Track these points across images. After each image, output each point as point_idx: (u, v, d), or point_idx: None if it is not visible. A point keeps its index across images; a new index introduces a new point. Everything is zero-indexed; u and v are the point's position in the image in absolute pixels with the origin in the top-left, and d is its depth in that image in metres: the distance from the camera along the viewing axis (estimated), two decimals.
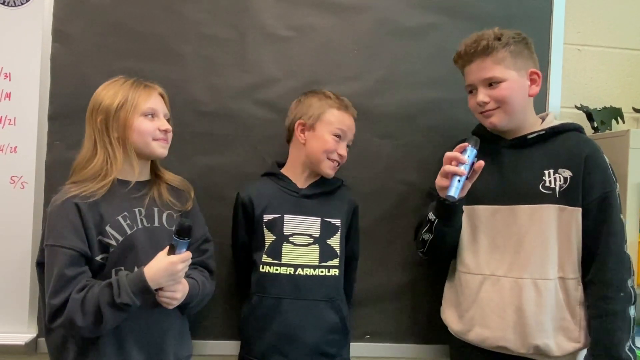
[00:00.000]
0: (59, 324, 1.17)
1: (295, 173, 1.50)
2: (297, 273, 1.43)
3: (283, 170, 1.52)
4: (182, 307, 1.31)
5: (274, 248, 1.44)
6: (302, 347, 1.41)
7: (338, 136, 1.44)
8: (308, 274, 1.43)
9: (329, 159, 1.44)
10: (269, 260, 1.44)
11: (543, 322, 1.29)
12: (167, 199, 1.35)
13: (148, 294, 1.18)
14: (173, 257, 1.19)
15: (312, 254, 1.44)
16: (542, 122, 1.40)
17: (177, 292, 1.24)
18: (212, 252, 1.45)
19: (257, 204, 1.46)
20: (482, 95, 1.33)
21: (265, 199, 1.46)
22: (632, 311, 1.26)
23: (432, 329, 1.65)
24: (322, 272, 1.44)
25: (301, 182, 1.49)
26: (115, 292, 1.16)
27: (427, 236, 1.40)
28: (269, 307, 1.42)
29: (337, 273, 1.46)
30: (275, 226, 1.44)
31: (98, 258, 1.23)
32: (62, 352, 1.26)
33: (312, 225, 1.46)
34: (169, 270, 1.19)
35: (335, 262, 1.46)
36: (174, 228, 1.22)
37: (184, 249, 1.21)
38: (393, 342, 1.67)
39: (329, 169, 1.45)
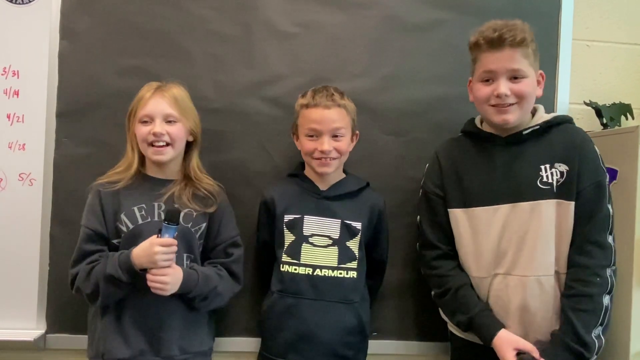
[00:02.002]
0: (73, 289, 1.34)
1: (314, 176, 1.49)
2: (315, 274, 1.43)
3: (306, 172, 1.51)
4: (188, 300, 1.35)
5: (294, 248, 1.44)
6: (319, 347, 1.41)
7: (310, 135, 1.42)
8: (326, 275, 1.43)
9: (314, 158, 1.43)
10: (289, 259, 1.45)
11: (546, 317, 1.29)
12: (187, 199, 1.39)
13: (133, 272, 1.26)
14: (154, 239, 1.25)
15: (330, 256, 1.44)
16: (532, 117, 1.38)
17: (166, 277, 1.26)
18: (238, 256, 1.46)
19: (278, 203, 1.47)
20: (505, 87, 1.29)
21: (287, 199, 1.47)
22: (606, 300, 1.25)
23: (436, 326, 1.64)
24: (340, 273, 1.44)
25: (323, 184, 1.49)
26: (108, 264, 1.28)
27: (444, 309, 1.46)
28: (287, 306, 1.43)
29: (355, 275, 1.46)
30: (295, 226, 1.45)
31: (114, 241, 1.36)
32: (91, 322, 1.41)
33: (331, 227, 1.45)
34: (147, 251, 1.25)
35: (354, 264, 1.46)
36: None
37: (169, 235, 1.26)
38: (398, 339, 1.67)
39: (319, 168, 1.43)
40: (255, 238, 1.57)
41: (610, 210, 1.30)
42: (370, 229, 1.50)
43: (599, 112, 1.71)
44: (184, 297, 1.34)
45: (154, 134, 1.34)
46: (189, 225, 1.40)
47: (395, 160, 1.66)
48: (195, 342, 1.41)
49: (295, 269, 1.44)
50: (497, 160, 1.36)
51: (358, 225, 1.47)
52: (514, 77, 1.30)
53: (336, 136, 1.41)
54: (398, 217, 1.64)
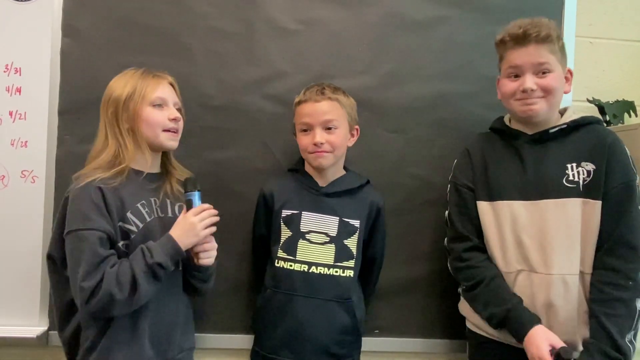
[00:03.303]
0: (96, 302, 1.14)
1: (314, 172, 1.49)
2: (310, 271, 1.42)
3: (306, 168, 1.51)
4: (201, 283, 1.36)
5: (290, 244, 1.44)
6: (311, 345, 1.41)
7: (305, 130, 1.43)
8: (322, 272, 1.43)
9: (309, 153, 1.43)
10: (284, 255, 1.44)
11: (571, 317, 1.29)
12: (177, 191, 1.36)
13: (177, 255, 1.22)
14: (186, 215, 1.24)
15: (327, 253, 1.44)
16: (561, 117, 1.38)
17: (214, 242, 1.28)
18: None
19: (277, 198, 1.46)
20: (531, 81, 1.30)
21: (286, 194, 1.47)
22: (639, 304, 1.24)
23: (440, 324, 1.65)
24: (336, 272, 1.44)
25: (323, 180, 1.48)
26: (147, 255, 1.18)
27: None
28: (281, 303, 1.43)
29: (351, 274, 1.45)
30: (292, 222, 1.44)
31: (120, 244, 1.23)
32: (76, 345, 1.26)
33: (329, 224, 1.45)
34: (186, 227, 1.22)
35: (351, 263, 1.45)
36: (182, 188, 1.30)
37: (197, 203, 1.25)
38: (402, 337, 1.66)
39: (314, 161, 1.43)
40: (252, 233, 1.56)
41: None
42: (368, 226, 1.50)
43: (602, 109, 1.71)
44: (189, 287, 1.36)
45: (175, 119, 1.31)
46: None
47: (397, 158, 1.65)
48: (189, 337, 1.40)
49: (291, 265, 1.43)
50: (523, 157, 1.36)
51: (356, 223, 1.46)
52: (541, 71, 1.30)
53: (329, 129, 1.40)
54: (400, 214, 1.64)
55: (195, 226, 1.22)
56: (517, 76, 1.33)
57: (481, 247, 1.41)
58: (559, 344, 1.24)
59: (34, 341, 1.53)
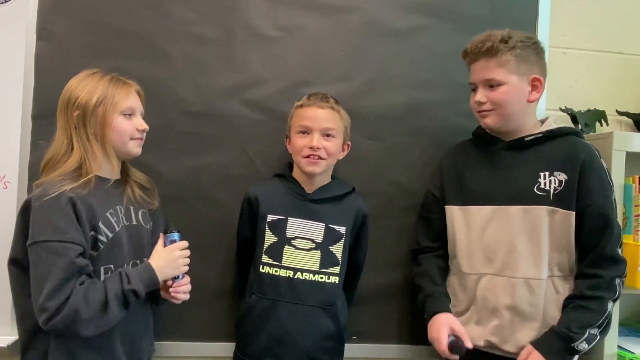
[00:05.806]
0: (59, 320, 1.07)
1: (301, 178, 1.49)
2: (296, 277, 1.43)
3: (294, 174, 1.51)
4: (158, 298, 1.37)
5: (275, 249, 1.44)
6: (295, 352, 1.41)
7: (303, 132, 1.43)
8: (307, 278, 1.43)
9: (303, 157, 1.42)
10: (269, 261, 1.44)
11: (536, 320, 1.31)
12: (139, 197, 1.36)
13: (153, 285, 1.23)
14: (171, 245, 1.28)
15: (312, 259, 1.44)
16: (541, 125, 1.41)
17: (188, 278, 1.32)
18: None
19: (262, 203, 1.46)
20: (480, 95, 1.35)
21: (271, 199, 1.46)
22: (610, 305, 1.27)
23: (418, 330, 1.65)
24: (321, 278, 1.44)
25: (309, 186, 1.48)
26: (124, 280, 1.17)
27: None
28: (265, 308, 1.42)
29: (337, 280, 1.46)
30: (278, 227, 1.44)
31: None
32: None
33: (315, 230, 1.45)
34: (170, 258, 1.25)
35: (336, 269, 1.46)
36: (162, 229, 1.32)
37: (178, 240, 1.30)
38: (380, 343, 1.67)
39: (307, 167, 1.42)
40: (236, 236, 1.55)
41: (619, 224, 1.32)
42: (354, 233, 1.51)
43: (574, 118, 1.74)
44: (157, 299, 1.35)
45: (144, 130, 1.31)
46: (148, 227, 1.36)
47: (375, 165, 1.67)
48: (152, 342, 1.40)
49: (276, 271, 1.43)
50: (497, 163, 1.40)
51: (342, 229, 1.47)
52: (490, 85, 1.34)
53: (327, 136, 1.42)
54: (379, 220, 1.64)
55: (177, 261, 1.26)
56: (475, 90, 1.39)
57: (428, 249, 1.51)
58: (460, 329, 1.33)
59: (5, 351, 1.49)
